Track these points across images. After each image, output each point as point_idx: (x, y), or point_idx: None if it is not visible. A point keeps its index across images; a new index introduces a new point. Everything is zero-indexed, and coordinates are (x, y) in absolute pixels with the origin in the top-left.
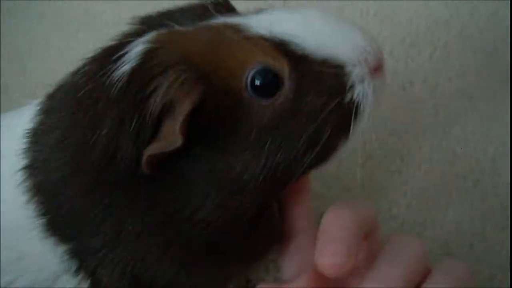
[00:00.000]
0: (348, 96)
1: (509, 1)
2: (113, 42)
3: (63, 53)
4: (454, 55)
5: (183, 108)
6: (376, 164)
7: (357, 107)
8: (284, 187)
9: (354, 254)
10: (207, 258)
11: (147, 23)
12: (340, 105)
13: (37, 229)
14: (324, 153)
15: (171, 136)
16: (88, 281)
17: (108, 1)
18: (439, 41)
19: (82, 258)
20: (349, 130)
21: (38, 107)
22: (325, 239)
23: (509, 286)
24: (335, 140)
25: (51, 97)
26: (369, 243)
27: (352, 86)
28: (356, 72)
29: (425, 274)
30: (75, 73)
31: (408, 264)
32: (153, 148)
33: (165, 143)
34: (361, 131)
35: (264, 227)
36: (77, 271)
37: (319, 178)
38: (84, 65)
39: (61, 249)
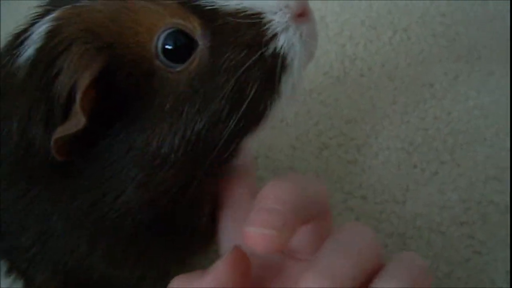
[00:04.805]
0: (271, 47)
1: None
2: (20, 27)
3: None
4: (415, 39)
5: (82, 83)
6: (331, 153)
7: (283, 59)
8: (212, 159)
9: (289, 229)
10: (137, 248)
11: (54, 3)
12: (262, 58)
13: None
14: (253, 115)
15: (74, 115)
16: (21, 282)
17: None
18: (399, 24)
19: (12, 258)
20: (277, 86)
21: None
22: (258, 208)
23: (466, 283)
24: (262, 98)
25: None
26: (316, 228)
27: (274, 36)
28: (276, 20)
29: (377, 268)
30: None
31: (357, 254)
32: (58, 132)
33: (69, 124)
34: (293, 87)
35: (196, 216)
36: (8, 272)
37: (272, 168)
38: None
39: None
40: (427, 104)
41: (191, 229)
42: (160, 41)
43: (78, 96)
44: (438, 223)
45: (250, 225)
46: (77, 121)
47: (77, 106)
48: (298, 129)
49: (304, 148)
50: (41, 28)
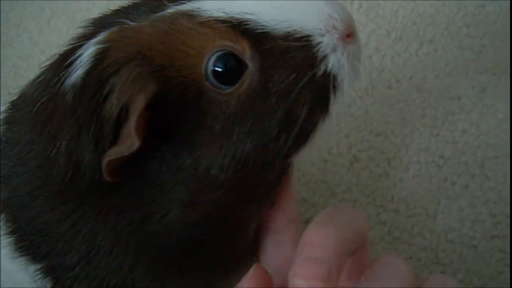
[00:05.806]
0: (321, 68)
1: None
2: (66, 47)
3: (36, 40)
4: (441, 51)
5: (136, 106)
6: (363, 166)
7: (333, 79)
8: (264, 180)
9: (334, 279)
10: (182, 264)
11: (99, 24)
12: (313, 80)
13: (7, 247)
14: (303, 135)
15: (128, 138)
16: None
17: None
18: (425, 36)
19: (56, 276)
20: (328, 105)
21: (2, 116)
22: (304, 257)
23: None
24: (313, 118)
25: (13, 105)
26: (355, 258)
27: (324, 57)
28: (325, 42)
29: None
30: (33, 82)
31: None
32: (110, 154)
33: (122, 146)
34: (342, 106)
35: (241, 235)
36: None
37: (304, 182)
38: (41, 73)
39: (33, 268)
40: (456, 117)
41: (235, 247)
42: (210, 63)
43: (133, 119)
44: (470, 237)
45: (296, 276)
46: (131, 143)
47: (131, 129)
48: (329, 142)
49: (335, 161)
50: (89, 51)
